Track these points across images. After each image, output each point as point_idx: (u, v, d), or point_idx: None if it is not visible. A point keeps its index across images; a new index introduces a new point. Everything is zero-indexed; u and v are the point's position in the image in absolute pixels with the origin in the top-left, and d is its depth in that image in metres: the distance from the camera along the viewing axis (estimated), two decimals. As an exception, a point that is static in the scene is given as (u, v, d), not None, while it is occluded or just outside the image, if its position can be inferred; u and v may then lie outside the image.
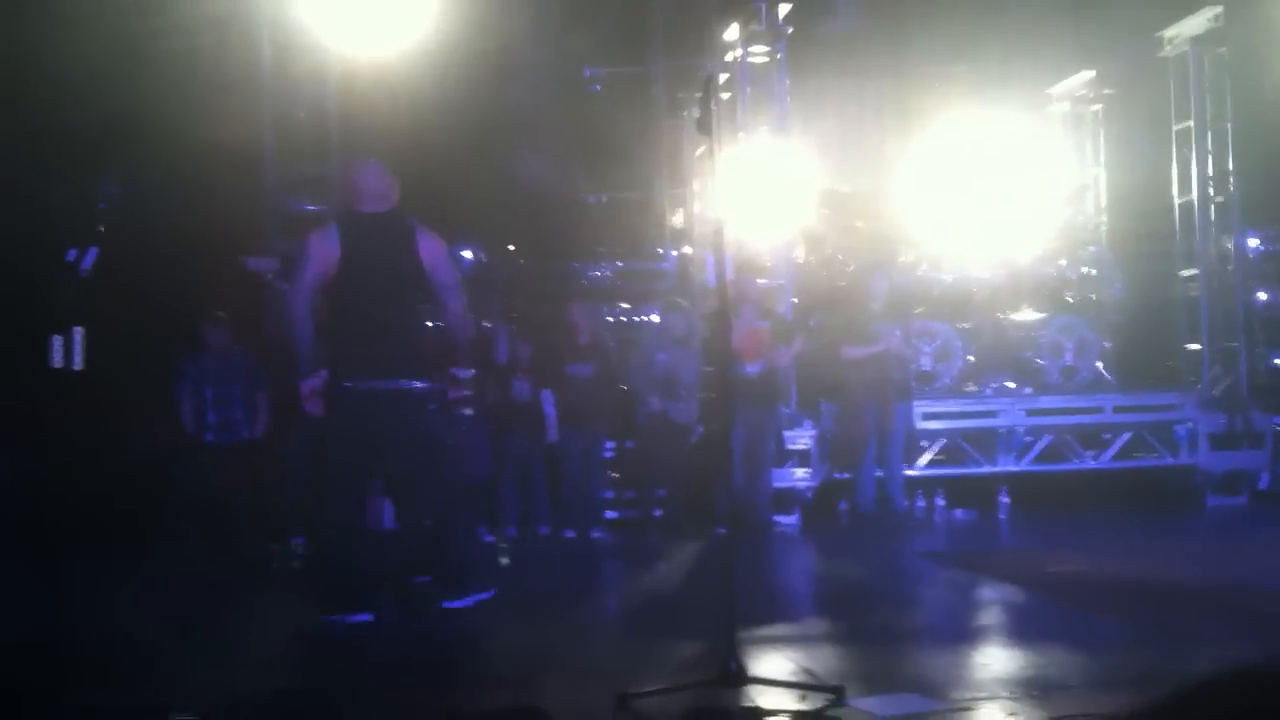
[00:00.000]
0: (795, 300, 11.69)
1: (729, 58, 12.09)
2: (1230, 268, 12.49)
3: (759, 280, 11.22)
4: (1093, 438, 12.01)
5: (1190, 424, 11.90)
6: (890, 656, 5.74)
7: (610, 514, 10.87)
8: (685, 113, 13.78)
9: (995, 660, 5.69)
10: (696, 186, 13.88)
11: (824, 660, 5.68)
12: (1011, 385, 12.30)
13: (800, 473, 11.21)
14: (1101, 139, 14.53)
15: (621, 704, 4.72)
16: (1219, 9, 12.13)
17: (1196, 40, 12.41)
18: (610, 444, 10.98)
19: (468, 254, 12.30)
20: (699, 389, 10.62)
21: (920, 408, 11.44)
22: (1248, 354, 12.33)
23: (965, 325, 12.50)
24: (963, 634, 6.34)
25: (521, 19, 12.30)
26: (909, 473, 11.30)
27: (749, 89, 11.81)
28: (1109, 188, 14.40)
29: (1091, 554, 8.80)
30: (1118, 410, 11.93)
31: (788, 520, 11.03)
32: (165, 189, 9.35)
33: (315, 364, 6.55)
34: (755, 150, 11.54)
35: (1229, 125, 12.37)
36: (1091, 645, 5.75)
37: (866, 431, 10.85)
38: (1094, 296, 12.88)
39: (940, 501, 11.55)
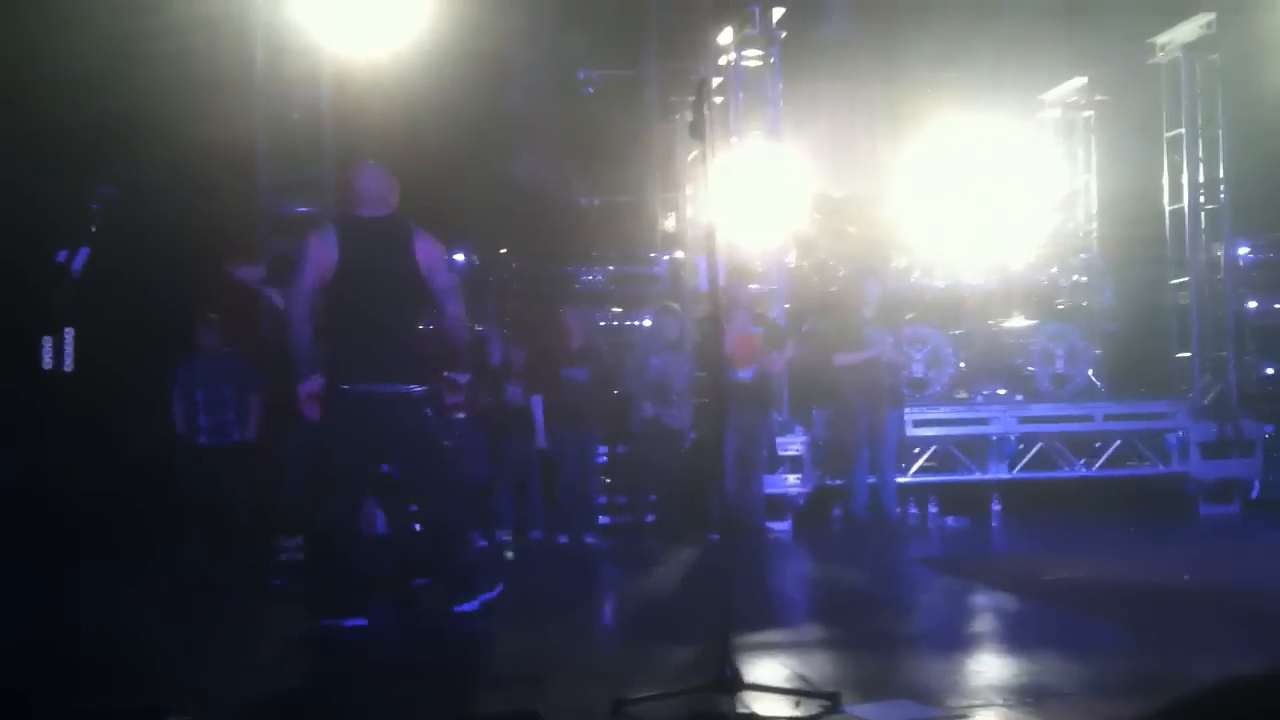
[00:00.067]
0: (787, 305, 11.69)
1: (722, 61, 12.11)
2: (1220, 276, 12.52)
3: (751, 285, 11.20)
4: (1084, 445, 12.03)
5: (1181, 432, 11.93)
6: (885, 662, 5.72)
7: (603, 519, 10.86)
8: (678, 116, 13.80)
9: (990, 667, 5.68)
10: (689, 190, 13.88)
11: (819, 666, 5.67)
12: (1002, 392, 12.31)
13: (792, 479, 11.21)
14: (1093, 146, 14.56)
15: (617, 710, 4.70)
16: (1211, 16, 12.17)
17: (1188, 47, 12.45)
18: (603, 448, 10.98)
19: (460, 256, 12.27)
20: (692, 394, 10.61)
21: (912, 414, 11.45)
22: (1238, 362, 12.36)
23: (956, 332, 12.52)
24: (958, 640, 6.33)
25: (515, 21, 12.28)
26: (900, 479, 11.30)
27: (742, 93, 11.82)
28: (1100, 195, 14.43)
29: (1085, 561, 8.79)
30: (1109, 418, 11.95)
31: (780, 526, 11.03)
32: (158, 190, 9.33)
33: (313, 367, 6.53)
34: (748, 155, 11.54)
35: (1220, 132, 12.41)
36: (1086, 652, 5.75)
37: (858, 438, 10.86)
38: (1085, 304, 12.92)
39: (933, 508, 11.56)
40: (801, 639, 6.56)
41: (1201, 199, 12.55)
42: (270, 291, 8.13)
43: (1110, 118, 14.28)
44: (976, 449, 11.77)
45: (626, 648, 6.66)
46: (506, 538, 10.17)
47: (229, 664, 5.93)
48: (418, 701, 5.19)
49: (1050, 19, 13.65)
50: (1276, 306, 12.76)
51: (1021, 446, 11.82)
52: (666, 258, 13.88)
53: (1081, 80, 14.25)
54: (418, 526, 7.99)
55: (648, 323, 12.12)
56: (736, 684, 4.80)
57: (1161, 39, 12.72)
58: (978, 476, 11.72)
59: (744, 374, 10.46)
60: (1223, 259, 12.53)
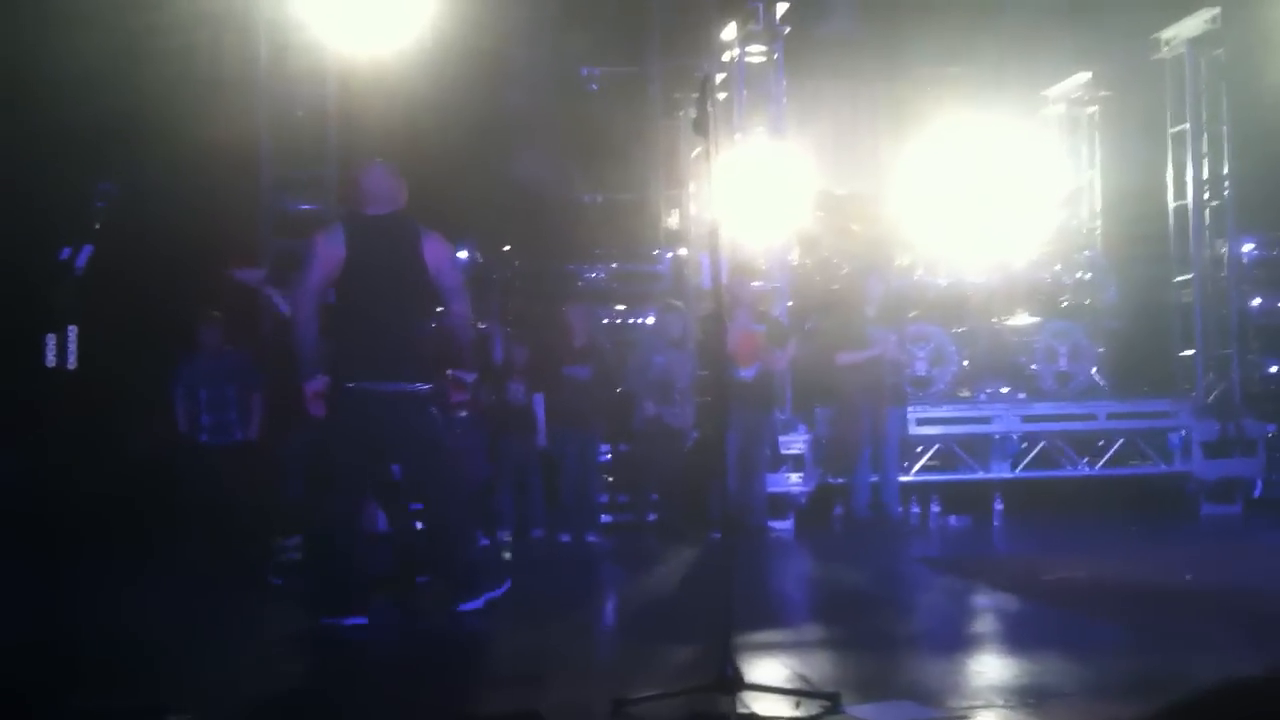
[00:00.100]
0: (790, 303, 11.68)
1: (726, 58, 12.10)
2: (1224, 273, 12.50)
3: (754, 283, 11.20)
4: (1086, 444, 12.02)
5: (1184, 431, 11.92)
6: (886, 663, 5.72)
7: (605, 518, 10.87)
8: (681, 113, 13.78)
9: (991, 667, 5.68)
10: (692, 188, 13.88)
11: (820, 666, 5.67)
12: (1005, 391, 12.30)
13: (795, 477, 11.22)
14: (1097, 142, 14.53)
15: (617, 709, 4.71)
16: (1215, 11, 12.15)
17: (1193, 42, 12.43)
18: (605, 447, 10.98)
19: (463, 254, 12.26)
20: (695, 393, 10.61)
21: (914, 413, 11.45)
22: (1241, 361, 12.34)
23: (960, 330, 12.51)
24: (959, 640, 6.33)
25: (518, 19, 12.28)
26: (903, 478, 11.30)
27: (745, 90, 11.82)
28: (1104, 191, 14.41)
29: (1087, 560, 8.78)
30: (1111, 417, 11.95)
31: (782, 525, 11.04)
32: (162, 188, 9.33)
33: (318, 366, 6.56)
34: (751, 152, 11.54)
35: (1225, 128, 12.38)
36: (1088, 652, 5.75)
37: (861, 436, 10.85)
38: (1088, 301, 12.90)
39: (935, 507, 11.56)
40: (802, 639, 6.56)
41: (1206, 195, 12.53)
42: (271, 292, 8.13)
43: (1114, 114, 14.26)
44: (979, 448, 11.77)
45: (627, 647, 6.67)
46: (508, 537, 10.17)
47: (229, 663, 5.93)
48: (418, 701, 5.19)
49: (1054, 15, 13.60)
50: (1280, 304, 12.75)
51: (1024, 445, 11.82)
52: (669, 255, 13.87)
53: (1085, 76, 14.23)
54: (418, 525, 7.99)
55: (650, 321, 12.10)
56: (737, 684, 4.80)
57: (1166, 34, 12.69)
58: (980, 475, 11.72)
59: (746, 372, 10.46)
60: (1227, 256, 12.50)
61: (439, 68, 10.92)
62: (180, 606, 7.24)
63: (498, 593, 6.86)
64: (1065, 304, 12.90)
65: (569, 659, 6.05)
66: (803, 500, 11.25)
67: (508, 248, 13.22)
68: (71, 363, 6.45)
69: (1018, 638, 6.43)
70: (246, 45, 10.76)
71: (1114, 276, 13.02)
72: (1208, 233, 12.54)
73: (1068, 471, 11.90)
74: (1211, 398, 12.19)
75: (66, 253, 6.61)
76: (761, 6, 11.63)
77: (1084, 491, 11.74)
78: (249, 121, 10.62)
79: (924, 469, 11.72)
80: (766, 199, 11.35)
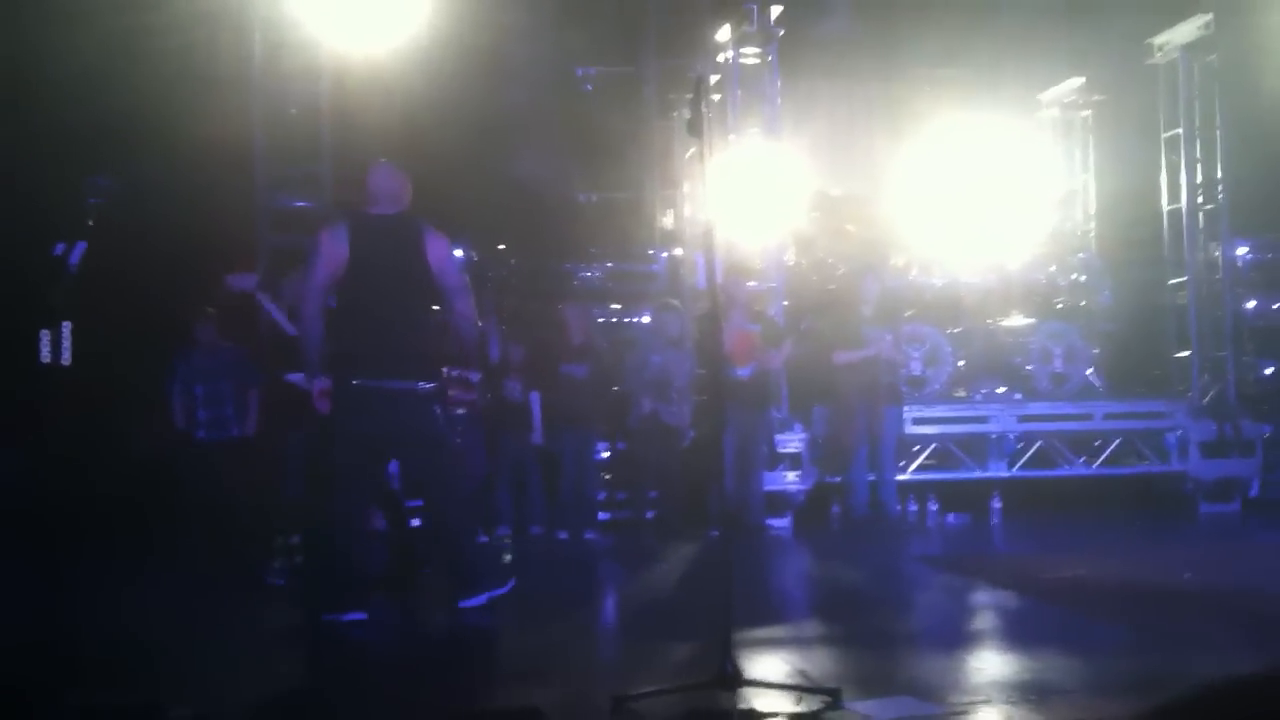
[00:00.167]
0: (786, 303, 11.68)
1: (720, 59, 12.10)
2: (1219, 276, 12.52)
3: (749, 283, 11.20)
4: (1083, 444, 12.03)
5: (1180, 431, 11.94)
6: (886, 660, 5.71)
7: (603, 515, 10.86)
8: (676, 113, 13.78)
9: (991, 664, 5.67)
10: (687, 188, 13.87)
11: (820, 663, 5.66)
12: (1002, 390, 12.31)
13: (791, 476, 11.22)
14: (1091, 145, 14.55)
15: (617, 706, 4.69)
16: (1209, 17, 12.18)
17: (1186, 48, 12.46)
18: (603, 445, 10.97)
19: (459, 252, 12.24)
20: (692, 391, 10.60)
21: (911, 412, 11.45)
22: (1236, 362, 12.37)
23: (955, 330, 12.51)
24: (958, 638, 6.32)
25: (514, 17, 12.27)
26: (900, 477, 11.30)
27: (740, 91, 11.83)
28: (1098, 194, 14.43)
29: (1086, 559, 8.78)
30: (1108, 417, 11.97)
31: (780, 523, 11.03)
32: (157, 185, 9.30)
33: (323, 363, 6.56)
34: (746, 152, 11.54)
35: (1218, 133, 12.41)
36: (1088, 650, 5.74)
37: (857, 436, 10.85)
38: (1083, 303, 12.92)
39: (932, 506, 11.55)
40: (802, 636, 6.54)
41: (1199, 199, 12.57)
42: (263, 298, 8.11)
43: (1108, 118, 14.29)
44: (976, 447, 11.78)
45: (627, 644, 6.67)
46: (507, 534, 10.15)
47: (229, 661, 5.92)
48: (418, 698, 5.18)
49: (1049, 18, 13.64)
50: (1275, 306, 12.74)
51: (1021, 445, 11.83)
52: (665, 255, 13.87)
53: (1080, 80, 14.25)
54: (415, 522, 7.98)
55: (647, 319, 12.09)
56: (737, 680, 4.79)
57: (1159, 39, 12.73)
58: (977, 474, 11.73)
59: (743, 372, 10.45)
60: (1221, 259, 12.53)
61: (433, 66, 10.91)
62: (179, 604, 7.22)
63: (501, 591, 6.85)
64: (1060, 305, 12.91)
65: (569, 656, 6.05)
66: (800, 499, 11.25)
67: (503, 246, 13.21)
68: (66, 359, 6.42)
69: (1017, 635, 6.43)
70: (241, 43, 10.73)
71: (1109, 279, 13.04)
72: (1202, 236, 12.58)
73: (1065, 471, 11.91)
74: (1207, 399, 12.21)
75: (61, 248, 6.59)
76: (756, 8, 11.64)
77: (1081, 491, 11.75)
78: (244, 119, 10.59)
79: (921, 468, 11.73)
80: (762, 199, 11.35)
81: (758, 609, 6.76)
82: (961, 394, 12.33)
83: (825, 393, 11.19)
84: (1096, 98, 14.31)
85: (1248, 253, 12.93)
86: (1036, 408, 11.93)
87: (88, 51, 9.42)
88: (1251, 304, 12.81)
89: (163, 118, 9.49)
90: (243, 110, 10.60)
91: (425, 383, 6.71)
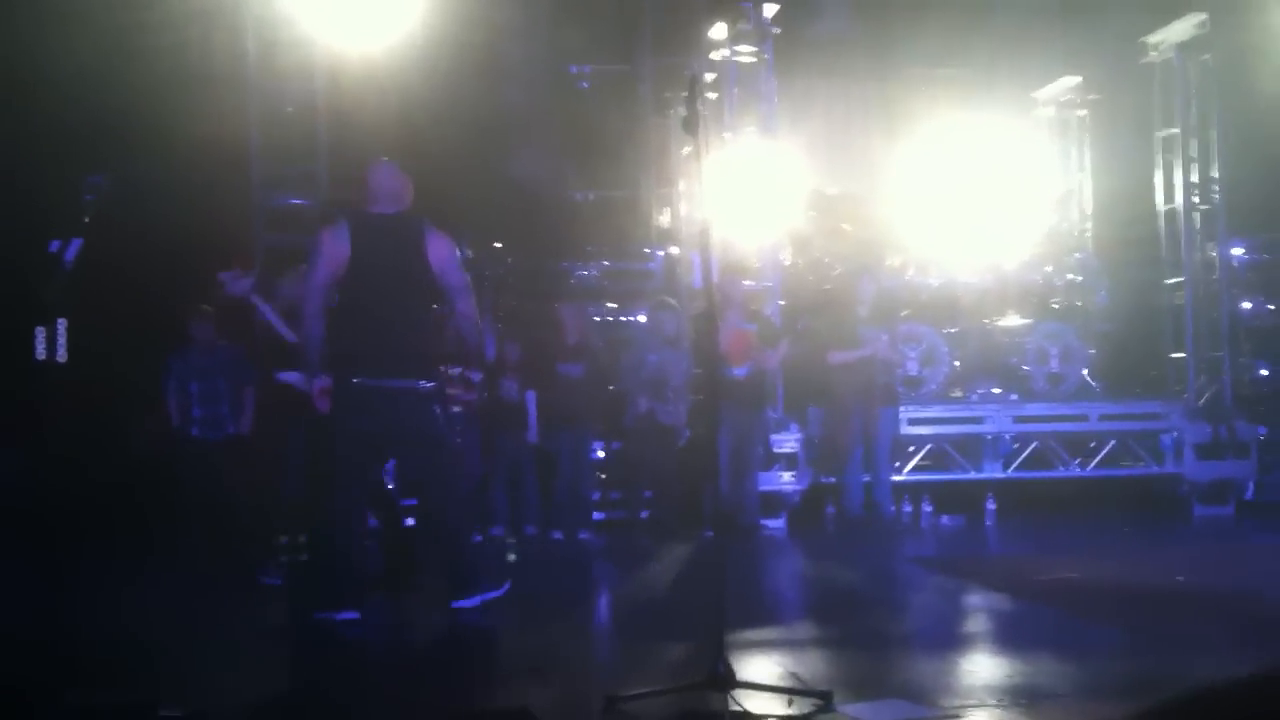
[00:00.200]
0: (782, 302, 11.67)
1: (716, 57, 12.07)
2: (1215, 276, 12.52)
3: (746, 282, 11.19)
4: (1078, 445, 12.03)
5: (1175, 433, 11.93)
6: (878, 662, 5.73)
7: (598, 515, 10.85)
8: (672, 112, 13.74)
9: (983, 667, 5.67)
10: (683, 186, 13.84)
11: (812, 665, 5.67)
12: (997, 391, 12.30)
13: (786, 476, 11.21)
14: (1087, 145, 14.52)
15: (609, 706, 4.70)
16: (1204, 16, 12.16)
17: (1182, 47, 12.44)
18: (599, 445, 10.97)
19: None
20: (688, 391, 10.59)
21: (906, 413, 11.45)
22: (1232, 363, 12.36)
23: (951, 330, 12.50)
24: (951, 640, 6.33)
25: (509, 16, 12.26)
26: (895, 478, 11.30)
27: (736, 89, 11.82)
28: (1094, 194, 14.41)
29: (1080, 561, 8.78)
30: (1103, 418, 11.96)
31: (774, 524, 11.02)
32: (152, 183, 9.29)
33: (324, 362, 6.57)
34: (742, 151, 11.52)
35: (1214, 132, 12.40)
36: (1081, 653, 5.76)
37: (852, 436, 10.84)
38: (1080, 303, 12.91)
39: (927, 507, 11.55)
40: (795, 637, 6.55)
41: (1195, 199, 12.55)
42: (258, 301, 8.09)
43: (1104, 117, 14.27)
44: (971, 448, 11.77)
45: (620, 644, 6.68)
46: (502, 533, 10.15)
47: (223, 658, 5.93)
48: (410, 698, 5.19)
49: (1044, 17, 13.63)
50: (1271, 307, 12.74)
51: (1016, 446, 11.82)
52: (661, 253, 13.86)
53: (1075, 79, 14.23)
54: (409, 522, 7.98)
55: (643, 318, 12.08)
56: (729, 682, 4.79)
57: (1154, 38, 12.71)
58: (972, 475, 11.73)
59: (739, 371, 10.44)
60: (1217, 259, 12.52)
61: (429, 64, 10.89)
62: (174, 602, 7.23)
63: (496, 594, 6.86)
64: (1057, 305, 12.91)
65: (562, 656, 6.06)
66: (795, 499, 11.25)
67: (499, 245, 13.20)
68: (61, 356, 6.42)
69: (1010, 637, 6.44)
70: (236, 42, 10.72)
71: (1105, 279, 13.03)
72: (1198, 236, 12.56)
73: (1060, 472, 11.90)
74: (1203, 400, 12.21)
75: (56, 246, 6.58)
76: (752, 7, 11.64)
77: (1076, 492, 11.75)
78: (239, 117, 10.58)
79: (916, 469, 11.72)
80: (758, 198, 11.34)
81: (751, 610, 6.77)
82: (958, 394, 12.33)
83: (821, 393, 11.19)
84: (1092, 97, 14.29)
85: (1244, 253, 12.92)
86: (1032, 409, 11.93)
87: (83, 50, 9.40)
88: (1247, 305, 12.80)
89: (158, 116, 9.48)
90: (238, 108, 10.59)
91: (425, 381, 6.73)
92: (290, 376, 7.53)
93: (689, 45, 12.76)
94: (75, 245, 6.47)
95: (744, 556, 9.30)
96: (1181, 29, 12.39)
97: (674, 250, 13.78)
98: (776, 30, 11.71)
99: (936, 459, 11.80)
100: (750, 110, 11.81)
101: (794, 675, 5.33)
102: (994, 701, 4.85)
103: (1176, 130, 12.53)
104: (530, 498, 10.52)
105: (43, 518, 6.69)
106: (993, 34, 13.52)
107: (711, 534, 8.08)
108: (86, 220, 6.40)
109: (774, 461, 11.13)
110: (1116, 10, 12.84)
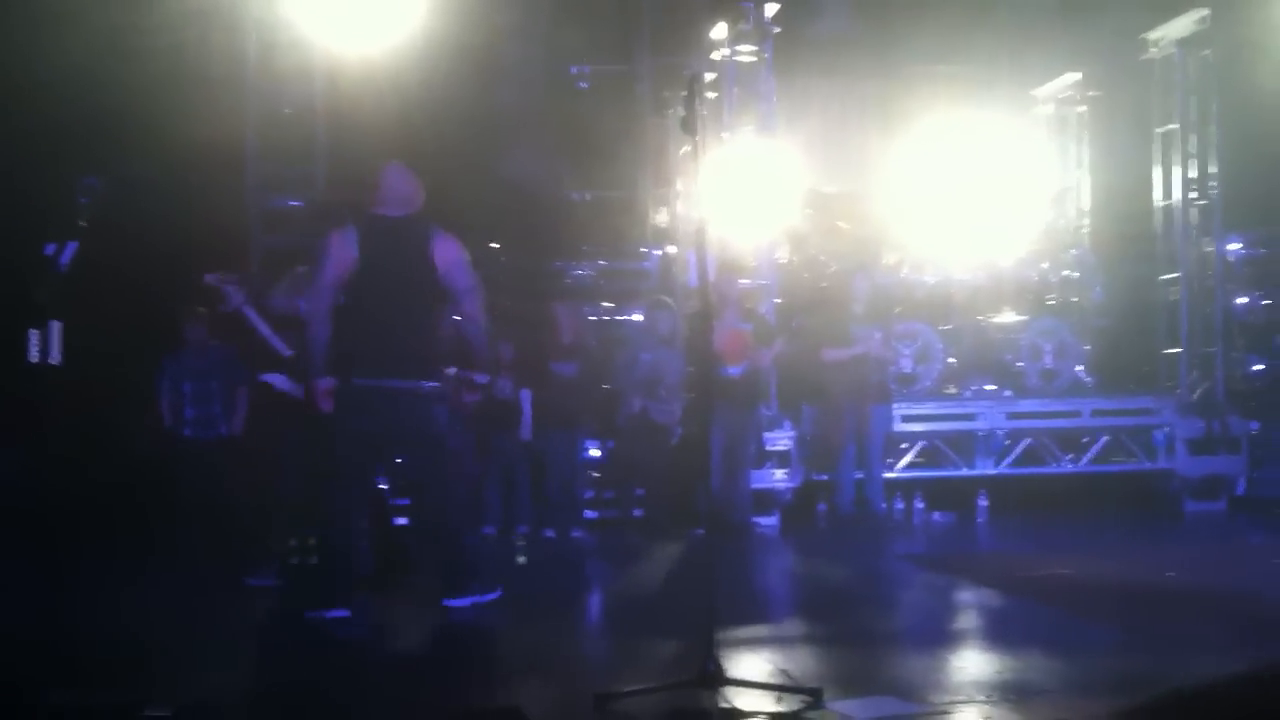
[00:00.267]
0: (778, 301, 11.68)
1: (715, 57, 12.07)
2: (1211, 272, 12.52)
3: (742, 281, 11.21)
4: (1071, 441, 12.05)
5: (1168, 429, 11.95)
6: (868, 659, 5.75)
7: (590, 514, 10.87)
8: (671, 111, 13.74)
9: (973, 664, 5.70)
10: (680, 186, 13.84)
11: (802, 662, 5.70)
12: (991, 388, 12.32)
13: (779, 474, 11.22)
14: (1085, 141, 14.50)
15: (599, 704, 4.73)
16: (1204, 12, 12.16)
17: (1181, 43, 12.44)
18: (593, 443, 10.98)
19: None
20: (683, 389, 10.61)
21: (900, 410, 11.47)
22: (1226, 359, 12.36)
23: (946, 327, 12.52)
24: (941, 637, 6.35)
25: (508, 16, 12.28)
26: (888, 475, 11.32)
27: (735, 89, 11.81)
28: (1092, 191, 14.41)
29: (1072, 557, 8.78)
30: (1096, 414, 11.98)
31: (767, 521, 11.04)
32: (149, 185, 9.31)
33: (328, 365, 6.62)
34: (740, 150, 11.53)
35: (1213, 128, 12.40)
36: (1071, 649, 5.78)
37: (845, 434, 10.87)
38: (1075, 299, 12.93)
39: (919, 504, 11.57)
40: (785, 634, 6.58)
41: (1193, 195, 12.55)
42: (249, 311, 8.11)
43: (1103, 113, 14.26)
44: (964, 445, 11.79)
45: (611, 643, 6.72)
46: (494, 532, 10.18)
47: (215, 657, 5.95)
48: (401, 697, 5.21)
49: (1044, 14, 13.63)
50: (1265, 303, 12.75)
51: (1009, 442, 11.84)
52: (657, 253, 13.85)
53: (1075, 76, 14.23)
54: (401, 521, 8.02)
55: (638, 317, 12.09)
56: (719, 679, 4.83)
57: (1155, 34, 12.71)
58: (965, 472, 11.74)
59: (734, 370, 10.45)
60: (1213, 255, 12.53)
61: (428, 65, 10.90)
62: (167, 602, 7.26)
63: (489, 597, 6.90)
64: (1052, 302, 12.93)
65: (552, 654, 6.08)
66: (788, 497, 11.26)
67: (496, 244, 13.21)
68: (56, 358, 6.45)
69: (1000, 634, 6.46)
70: (234, 43, 10.73)
71: (1101, 275, 13.05)
72: (1194, 232, 12.55)
73: (1052, 469, 11.91)
74: (1196, 395, 12.22)
75: (51, 248, 6.61)
76: (752, 6, 11.64)
77: (1069, 488, 11.77)
78: (236, 119, 10.60)
79: (909, 466, 11.74)
80: (755, 197, 11.33)
81: (742, 608, 6.79)
82: (952, 391, 12.34)
83: (815, 391, 11.21)
84: (1092, 93, 14.28)
85: (1240, 248, 12.92)
86: (1025, 405, 11.94)
87: (79, 51, 9.42)
88: (1242, 300, 12.81)
89: (154, 117, 9.50)
90: (236, 110, 10.61)
91: (427, 383, 6.77)
92: (273, 378, 7.57)
93: (688, 45, 12.77)
94: (70, 248, 6.50)
95: (736, 554, 9.33)
96: (1182, 25, 12.39)
97: (670, 249, 13.78)
98: (777, 30, 11.72)
99: (929, 456, 11.81)
100: (749, 109, 11.81)
101: (784, 672, 5.36)
102: (983, 698, 4.88)
103: (1176, 126, 12.53)
104: (523, 497, 10.54)
105: (43, 517, 6.72)
106: (992, 31, 13.52)
107: (703, 532, 8.12)
108: (82, 222, 6.43)
109: (766, 459, 11.15)
110: (1116, 6, 12.82)
